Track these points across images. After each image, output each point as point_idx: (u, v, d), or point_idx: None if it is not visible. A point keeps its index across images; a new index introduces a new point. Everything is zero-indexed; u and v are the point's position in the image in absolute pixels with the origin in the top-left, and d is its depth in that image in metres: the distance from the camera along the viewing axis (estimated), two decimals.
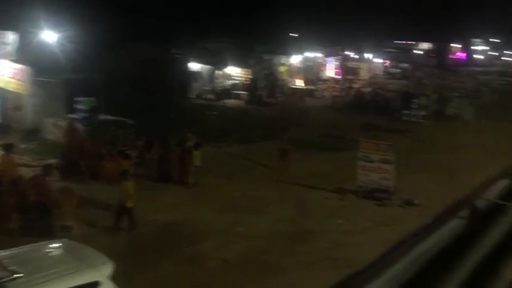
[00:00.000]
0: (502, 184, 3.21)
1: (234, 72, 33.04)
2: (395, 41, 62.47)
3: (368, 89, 35.69)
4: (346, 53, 48.05)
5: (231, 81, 32.70)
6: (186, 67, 30.15)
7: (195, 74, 30.99)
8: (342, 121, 25.06)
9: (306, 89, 35.00)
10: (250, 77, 32.41)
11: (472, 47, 75.63)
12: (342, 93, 34.96)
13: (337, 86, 37.94)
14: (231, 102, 29.76)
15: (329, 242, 10.88)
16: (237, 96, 30.94)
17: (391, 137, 18.85)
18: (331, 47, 43.04)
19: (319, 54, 41.38)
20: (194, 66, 31.03)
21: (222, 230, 11.24)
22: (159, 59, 25.22)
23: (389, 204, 13.15)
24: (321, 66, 42.34)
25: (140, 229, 10.81)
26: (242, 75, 32.89)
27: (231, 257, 9.96)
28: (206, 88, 31.13)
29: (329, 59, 43.10)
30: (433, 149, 19.59)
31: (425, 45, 67.36)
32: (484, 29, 69.62)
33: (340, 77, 42.32)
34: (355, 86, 38.49)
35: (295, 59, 37.86)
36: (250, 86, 31.61)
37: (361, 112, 26.94)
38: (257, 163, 16.80)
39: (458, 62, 66.49)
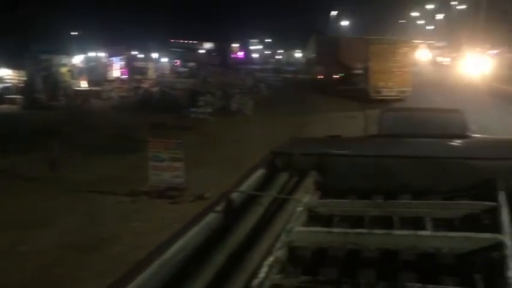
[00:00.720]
0: (258, 174, 3.59)
1: (6, 74, 29.73)
2: (180, 41, 64.33)
3: (156, 88, 35.91)
4: (133, 52, 47.58)
5: (2, 85, 29.34)
6: None
7: None
8: (131, 121, 24.68)
9: (91, 90, 33.55)
10: (24, 79, 29.56)
11: (250, 47, 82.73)
12: (130, 93, 34.52)
13: (124, 86, 37.27)
14: (3, 107, 26.71)
15: (125, 247, 10.57)
16: (12, 101, 27.92)
17: (179, 134, 19.30)
18: (115, 46, 42.06)
19: (103, 54, 40.04)
20: None
21: None
22: None
23: (183, 201, 13.39)
24: (107, 66, 41.03)
25: None
26: (15, 77, 29.81)
27: (12, 282, 8.89)
28: None
29: (114, 58, 42.04)
30: (220, 143, 20.74)
31: (208, 45, 71.12)
32: (259, 30, 76.89)
33: (126, 77, 41.66)
34: (143, 85, 38.32)
35: (78, 59, 35.89)
36: (25, 89, 28.83)
37: (149, 111, 27.04)
38: (39, 173, 15.39)
39: (238, 61, 71.90)
